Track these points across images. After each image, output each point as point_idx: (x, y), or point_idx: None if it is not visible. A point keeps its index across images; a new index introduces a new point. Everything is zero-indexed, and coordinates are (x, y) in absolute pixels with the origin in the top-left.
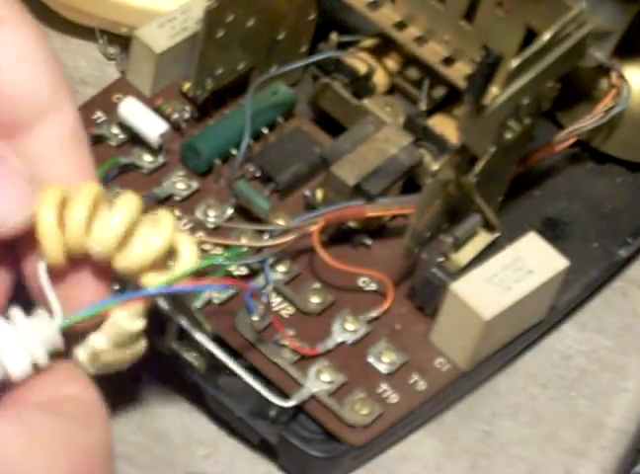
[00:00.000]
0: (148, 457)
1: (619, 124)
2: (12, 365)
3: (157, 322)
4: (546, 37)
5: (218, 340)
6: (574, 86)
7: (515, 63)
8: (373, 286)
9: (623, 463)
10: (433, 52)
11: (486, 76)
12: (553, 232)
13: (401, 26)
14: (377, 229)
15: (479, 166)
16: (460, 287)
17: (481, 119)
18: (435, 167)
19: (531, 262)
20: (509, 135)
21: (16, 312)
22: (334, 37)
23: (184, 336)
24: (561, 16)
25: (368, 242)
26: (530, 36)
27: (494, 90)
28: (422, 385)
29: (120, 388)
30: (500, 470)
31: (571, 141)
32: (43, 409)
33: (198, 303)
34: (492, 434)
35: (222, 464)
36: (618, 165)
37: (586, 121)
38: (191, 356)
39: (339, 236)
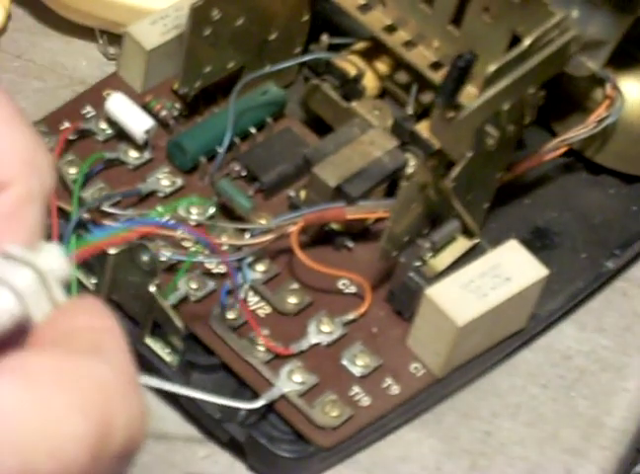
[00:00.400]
0: (148, 457)
1: (613, 135)
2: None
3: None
4: (526, 42)
5: (193, 337)
6: (570, 96)
7: (492, 68)
8: (353, 289)
9: (623, 463)
10: (421, 57)
11: (457, 80)
12: (541, 241)
13: (391, 29)
14: (360, 232)
15: (456, 171)
16: (435, 292)
17: (455, 124)
18: (410, 170)
19: (510, 269)
20: (490, 141)
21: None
22: (325, 38)
23: (157, 332)
24: (545, 22)
25: (350, 244)
26: (517, 42)
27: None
28: (395, 389)
29: None
30: (500, 470)
31: (562, 150)
32: (44, 350)
33: (172, 300)
34: (492, 434)
35: (222, 464)
36: (613, 176)
37: (577, 131)
38: (164, 352)
39: (321, 237)
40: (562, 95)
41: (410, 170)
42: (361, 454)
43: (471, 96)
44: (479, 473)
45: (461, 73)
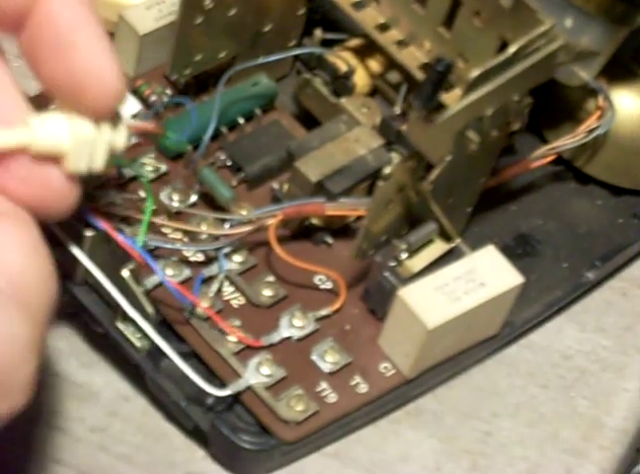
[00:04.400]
0: (148, 457)
1: (604, 147)
2: None
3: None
4: (512, 49)
5: (165, 323)
6: (563, 105)
7: (474, 73)
8: (329, 285)
9: (623, 463)
10: (412, 57)
11: (435, 84)
12: (524, 248)
13: (384, 28)
14: (340, 228)
15: (434, 174)
16: (408, 293)
17: (433, 127)
18: (387, 170)
19: (485, 275)
20: (471, 146)
21: None
22: (318, 33)
23: (128, 315)
24: (533, 30)
25: (330, 240)
26: (505, 47)
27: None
28: (363, 388)
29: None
30: (500, 470)
31: (549, 158)
32: None
33: (147, 285)
34: (492, 434)
35: None
36: (601, 187)
37: (566, 140)
38: (134, 337)
39: (301, 232)
40: (555, 104)
41: (388, 169)
42: (362, 454)
43: (457, 98)
44: (479, 473)
45: (439, 77)
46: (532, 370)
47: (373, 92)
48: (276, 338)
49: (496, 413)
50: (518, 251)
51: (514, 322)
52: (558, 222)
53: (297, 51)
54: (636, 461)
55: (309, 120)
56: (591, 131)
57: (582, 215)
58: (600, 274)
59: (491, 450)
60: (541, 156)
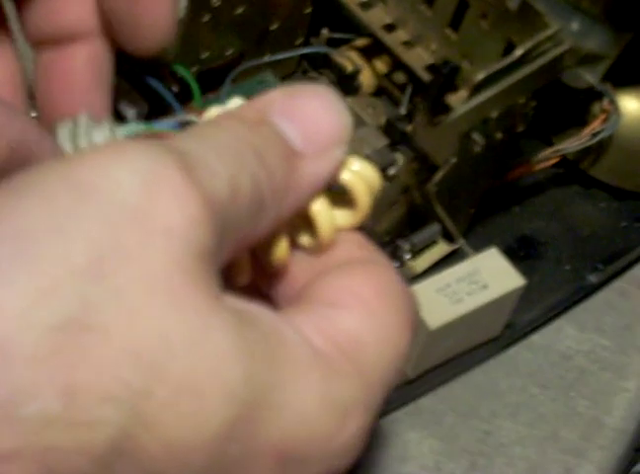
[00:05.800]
0: None
1: (608, 150)
2: None
3: None
4: (518, 52)
5: None
6: (568, 108)
7: (480, 76)
8: None
9: (622, 463)
10: (418, 58)
11: (441, 86)
12: (526, 250)
13: (390, 28)
14: None
15: (439, 175)
16: None
17: (439, 129)
18: (392, 171)
19: (488, 277)
20: (476, 148)
21: None
22: (325, 32)
23: None
24: (540, 33)
25: None
26: (512, 49)
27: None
28: None
29: None
30: (500, 470)
31: (553, 160)
32: (376, 294)
33: None
34: (492, 434)
35: None
36: (604, 191)
37: (571, 143)
38: None
39: None
40: (560, 106)
41: (393, 170)
42: (362, 454)
43: (463, 100)
44: (479, 473)
45: (446, 80)
46: (532, 370)
47: (378, 91)
48: None
49: (496, 413)
50: (520, 253)
51: (515, 324)
52: (561, 224)
53: (305, 51)
54: (635, 461)
55: None
56: (595, 134)
57: (584, 218)
58: (602, 277)
59: (491, 450)
60: (546, 158)
